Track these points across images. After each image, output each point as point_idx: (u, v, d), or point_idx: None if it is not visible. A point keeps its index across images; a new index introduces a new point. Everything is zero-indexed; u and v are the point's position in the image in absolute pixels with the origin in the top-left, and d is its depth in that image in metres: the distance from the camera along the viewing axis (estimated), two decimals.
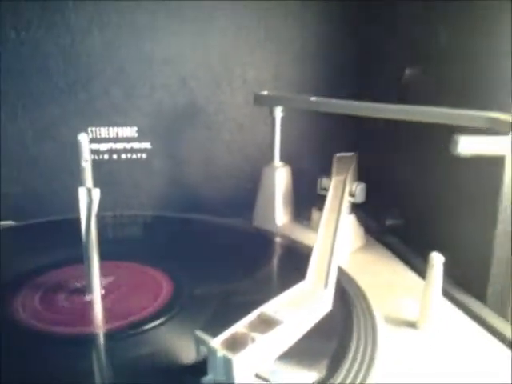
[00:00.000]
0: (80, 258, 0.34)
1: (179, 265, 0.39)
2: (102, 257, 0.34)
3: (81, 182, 0.32)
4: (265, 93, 0.50)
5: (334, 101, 0.44)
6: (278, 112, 0.48)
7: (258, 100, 0.49)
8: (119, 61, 0.55)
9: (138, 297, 0.35)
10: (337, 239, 0.37)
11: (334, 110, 0.43)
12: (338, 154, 0.52)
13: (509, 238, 0.40)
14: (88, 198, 0.31)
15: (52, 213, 0.53)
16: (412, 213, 0.52)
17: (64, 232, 0.43)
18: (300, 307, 0.27)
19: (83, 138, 0.30)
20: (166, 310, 0.33)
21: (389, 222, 0.54)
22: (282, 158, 0.52)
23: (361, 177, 0.51)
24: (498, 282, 0.40)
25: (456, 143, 0.25)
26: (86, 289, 0.34)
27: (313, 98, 0.45)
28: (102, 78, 0.55)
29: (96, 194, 0.32)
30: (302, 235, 0.47)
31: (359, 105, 0.41)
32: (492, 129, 0.33)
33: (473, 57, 0.41)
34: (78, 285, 0.35)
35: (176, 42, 0.55)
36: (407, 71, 0.48)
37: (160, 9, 0.54)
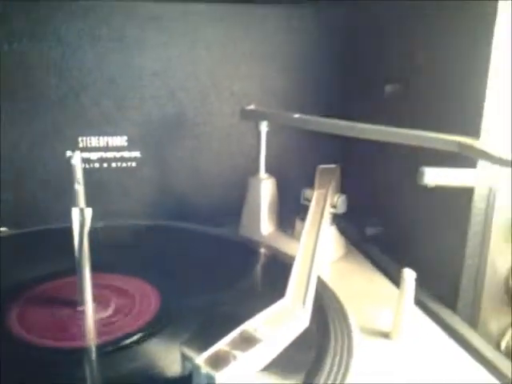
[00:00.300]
0: (71, 269, 0.36)
1: (166, 276, 0.41)
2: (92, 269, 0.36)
3: (74, 203, 0.33)
4: (251, 107, 0.52)
5: (314, 119, 0.46)
6: (264, 127, 0.50)
7: (244, 115, 0.51)
8: (109, 73, 0.56)
9: (126, 310, 0.36)
10: (317, 252, 0.40)
11: (314, 128, 0.45)
12: (321, 166, 0.54)
13: (478, 252, 0.42)
14: (81, 218, 0.33)
15: (46, 221, 0.55)
16: (391, 223, 0.54)
17: (57, 241, 0.45)
18: (279, 325, 0.29)
19: (76, 162, 0.32)
20: (153, 325, 0.35)
21: (369, 232, 0.56)
22: (267, 169, 0.54)
23: (343, 187, 0.54)
24: (469, 294, 0.43)
25: (422, 175, 0.27)
26: (78, 303, 0.36)
27: (296, 115, 0.47)
28: (93, 89, 0.56)
29: (88, 213, 0.33)
30: (286, 244, 0.49)
31: (338, 124, 0.43)
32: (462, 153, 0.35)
33: (448, 78, 0.43)
34: (69, 298, 0.37)
35: (164, 55, 0.57)
36: (387, 88, 0.50)
37: (149, 24, 0.55)
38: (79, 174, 0.32)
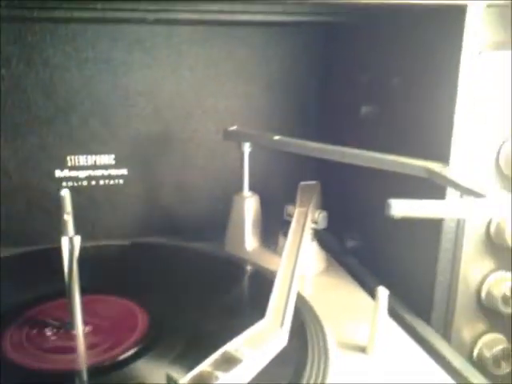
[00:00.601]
0: (60, 291, 0.38)
1: (152, 295, 0.43)
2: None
3: (63, 232, 0.35)
4: (234, 128, 0.54)
5: (292, 141, 0.48)
6: (246, 147, 0.52)
7: (227, 136, 0.53)
8: (96, 94, 0.58)
9: (114, 332, 0.38)
10: (297, 268, 0.42)
11: (292, 150, 0.47)
12: (302, 183, 0.56)
13: (450, 268, 0.45)
14: (70, 246, 0.35)
15: (34, 241, 0.56)
16: (369, 237, 0.56)
17: (46, 262, 0.46)
18: (259, 345, 0.31)
19: (65, 194, 0.34)
20: (140, 346, 0.36)
21: (349, 244, 0.58)
22: (251, 185, 0.56)
23: (325, 201, 0.56)
24: (442, 306, 0.45)
25: (389, 207, 0.29)
26: (68, 328, 0.37)
27: (276, 137, 0.49)
28: (81, 109, 0.58)
29: (77, 241, 0.35)
30: (270, 260, 0.52)
31: (312, 146, 0.46)
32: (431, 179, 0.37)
33: (420, 103, 0.45)
34: (58, 322, 0.39)
35: (150, 75, 0.59)
36: (363, 109, 0.52)
37: (134, 46, 0.57)
38: (68, 206, 0.34)
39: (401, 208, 0.29)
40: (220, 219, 0.58)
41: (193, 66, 0.60)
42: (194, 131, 0.62)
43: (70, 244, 0.35)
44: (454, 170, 0.37)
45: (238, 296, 0.47)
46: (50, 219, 0.58)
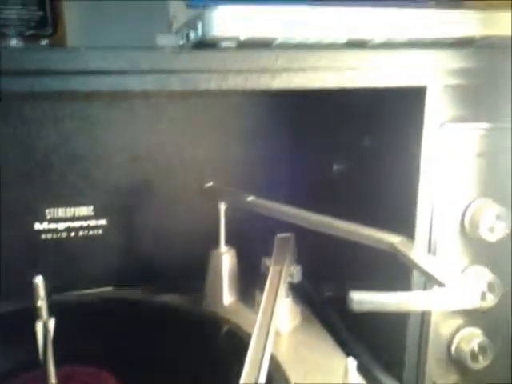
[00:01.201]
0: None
1: (124, 361, 0.44)
2: None
3: (38, 316, 0.36)
4: (210, 184, 0.55)
5: (265, 204, 0.49)
6: (222, 206, 0.53)
7: (204, 193, 0.54)
8: (75, 148, 0.58)
9: None
10: (272, 328, 0.42)
11: (265, 212, 0.48)
12: (278, 236, 0.57)
13: (419, 325, 0.46)
14: (44, 329, 0.35)
15: (9, 296, 0.56)
16: (346, 287, 0.57)
17: (21, 324, 0.46)
18: None
19: (39, 281, 0.34)
20: None
21: (327, 294, 0.59)
22: (229, 237, 0.57)
23: (301, 251, 0.57)
24: (413, 360, 0.46)
25: (351, 301, 0.31)
26: None
27: (250, 198, 0.50)
28: (59, 163, 0.59)
29: (51, 323, 0.36)
30: (246, 316, 0.53)
31: (284, 210, 0.47)
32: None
33: (387, 171, 0.47)
34: None
35: (128, 129, 0.59)
36: (334, 167, 0.53)
37: (112, 104, 0.58)
38: (42, 292, 0.34)
39: (363, 302, 0.30)
40: (198, 270, 0.58)
41: (172, 119, 0.60)
42: (173, 182, 0.62)
43: (45, 328, 0.35)
44: (419, 247, 0.38)
45: (212, 357, 0.47)
46: (25, 276, 0.58)
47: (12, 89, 0.31)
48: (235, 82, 0.35)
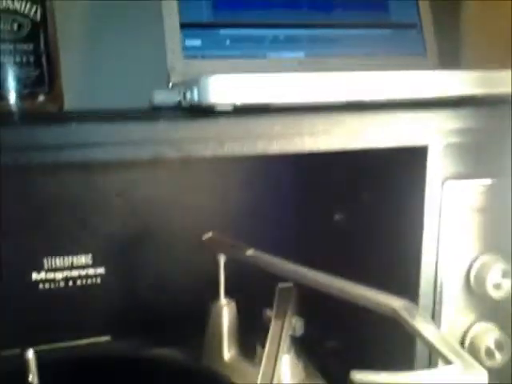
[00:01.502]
0: None
1: None
2: None
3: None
4: (209, 235, 0.54)
5: (268, 259, 0.48)
6: (221, 258, 0.52)
7: (203, 245, 0.53)
8: (73, 196, 0.58)
9: None
10: None
11: (265, 267, 0.47)
12: (280, 286, 0.56)
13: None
14: None
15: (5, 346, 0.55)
16: (349, 337, 0.56)
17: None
18: None
19: (31, 356, 0.33)
20: None
21: (330, 344, 0.58)
22: (229, 289, 0.56)
23: (303, 301, 0.55)
24: None
25: (353, 382, 0.29)
26: None
27: (250, 252, 0.49)
28: (56, 211, 0.58)
29: None
30: (247, 371, 0.51)
31: (287, 267, 0.46)
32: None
33: (389, 224, 0.46)
34: None
35: (127, 176, 0.59)
36: (336, 217, 0.52)
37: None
38: (33, 367, 0.33)
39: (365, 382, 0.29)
40: (198, 321, 0.57)
41: (171, 167, 0.60)
42: (172, 230, 0.62)
43: None
44: (423, 314, 0.37)
45: None
46: (21, 324, 0.57)
47: None
48: (232, 149, 0.34)
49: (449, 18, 0.67)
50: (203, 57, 0.55)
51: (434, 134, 0.39)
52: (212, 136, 0.34)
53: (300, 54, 0.57)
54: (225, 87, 0.34)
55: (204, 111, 0.36)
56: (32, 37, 0.44)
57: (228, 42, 0.56)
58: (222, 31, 0.55)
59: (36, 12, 0.44)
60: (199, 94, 0.35)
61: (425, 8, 0.61)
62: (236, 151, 0.35)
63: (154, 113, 0.46)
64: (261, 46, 0.56)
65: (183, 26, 0.54)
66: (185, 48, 0.54)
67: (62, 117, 0.42)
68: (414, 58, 0.61)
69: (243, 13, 0.56)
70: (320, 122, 0.35)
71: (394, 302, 0.38)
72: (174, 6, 0.54)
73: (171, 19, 0.54)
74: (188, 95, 0.39)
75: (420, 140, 0.39)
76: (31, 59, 0.44)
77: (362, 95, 0.37)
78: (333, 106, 0.37)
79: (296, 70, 0.56)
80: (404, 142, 0.38)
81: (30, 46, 0.44)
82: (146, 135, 0.32)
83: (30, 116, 0.44)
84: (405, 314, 0.36)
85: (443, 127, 0.39)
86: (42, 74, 0.45)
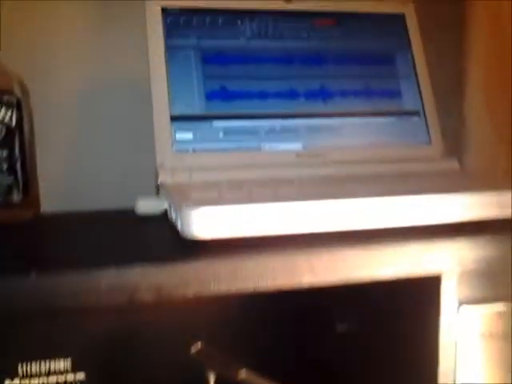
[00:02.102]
0: None
1: None
2: None
3: None
4: (197, 346, 0.49)
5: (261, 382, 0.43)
6: (211, 378, 0.47)
7: (192, 358, 0.48)
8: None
9: None
10: None
11: None
12: None
13: None
14: None
15: None
16: None
17: None
18: None
19: None
20: None
21: None
22: None
23: None
24: None
25: None
26: None
27: (243, 374, 0.44)
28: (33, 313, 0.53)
29: None
30: None
31: None
32: None
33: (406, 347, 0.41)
34: None
35: None
36: (338, 326, 0.48)
37: None
38: None
39: None
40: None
41: None
42: (157, 334, 0.57)
43: None
44: None
45: None
46: None
47: None
48: (217, 287, 0.30)
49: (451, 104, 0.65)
50: (194, 150, 0.51)
51: (449, 263, 0.35)
52: (193, 277, 0.29)
53: (298, 146, 0.54)
54: (209, 220, 0.30)
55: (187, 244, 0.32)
56: (6, 142, 0.41)
57: (221, 134, 0.52)
58: (215, 123, 0.52)
59: (11, 118, 0.41)
60: (182, 225, 0.31)
61: (428, 94, 0.59)
62: (221, 290, 0.30)
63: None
64: (256, 137, 0.53)
65: (174, 118, 0.51)
66: (175, 141, 0.51)
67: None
68: (418, 148, 0.57)
69: (237, 103, 0.53)
70: (319, 258, 0.31)
71: None
72: (165, 97, 0.51)
73: (161, 111, 0.51)
74: (173, 217, 0.35)
75: (433, 270, 0.35)
76: (4, 167, 0.41)
77: (365, 224, 0.33)
78: (333, 235, 0.33)
79: (294, 165, 0.52)
80: (417, 273, 0.34)
81: (4, 153, 0.41)
82: (121, 281, 0.28)
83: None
84: None
85: (457, 256, 0.34)
86: (16, 181, 0.42)
